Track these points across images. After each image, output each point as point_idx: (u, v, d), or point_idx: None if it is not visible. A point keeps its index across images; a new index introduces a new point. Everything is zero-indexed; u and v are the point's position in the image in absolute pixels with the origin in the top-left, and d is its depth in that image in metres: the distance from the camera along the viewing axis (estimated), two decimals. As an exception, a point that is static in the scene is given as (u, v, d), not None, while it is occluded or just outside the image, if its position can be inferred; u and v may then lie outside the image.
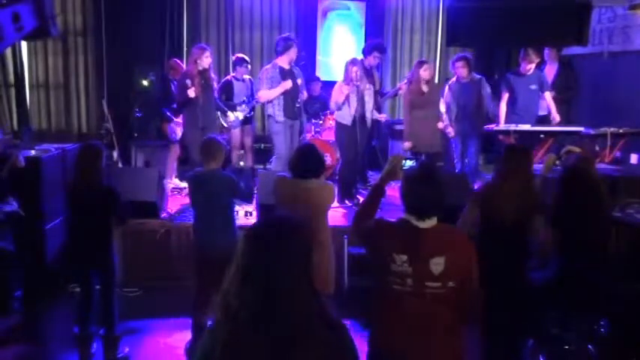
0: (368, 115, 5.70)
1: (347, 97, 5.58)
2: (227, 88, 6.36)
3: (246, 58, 6.52)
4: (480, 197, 3.19)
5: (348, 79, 5.58)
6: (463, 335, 2.26)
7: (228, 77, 6.58)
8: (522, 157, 3.21)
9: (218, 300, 1.50)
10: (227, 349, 1.44)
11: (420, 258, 2.15)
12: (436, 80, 8.35)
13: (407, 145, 5.97)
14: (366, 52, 6.37)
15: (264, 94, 5.62)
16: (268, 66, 5.77)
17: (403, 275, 2.15)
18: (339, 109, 5.69)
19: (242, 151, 6.50)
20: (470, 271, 2.23)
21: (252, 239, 1.51)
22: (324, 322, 1.50)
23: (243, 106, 6.32)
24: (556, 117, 6.20)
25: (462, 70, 6.01)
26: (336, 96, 5.66)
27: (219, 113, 6.26)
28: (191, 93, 5.51)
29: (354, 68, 5.54)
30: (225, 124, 6.34)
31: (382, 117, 6.22)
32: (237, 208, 4.00)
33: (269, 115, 5.74)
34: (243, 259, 1.48)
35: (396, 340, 2.20)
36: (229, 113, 6.24)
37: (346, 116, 5.65)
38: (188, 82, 5.56)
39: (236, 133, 6.39)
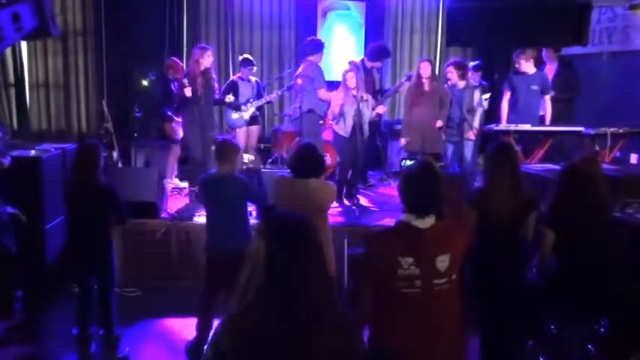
0: (366, 126, 5.64)
1: (342, 108, 5.53)
2: (232, 88, 6.32)
3: (252, 59, 6.49)
4: (473, 204, 3.17)
5: (345, 89, 5.54)
6: (465, 332, 2.29)
7: (234, 77, 6.54)
8: (508, 155, 3.19)
9: (236, 297, 1.52)
10: (245, 343, 1.46)
11: (426, 259, 2.16)
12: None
13: (404, 141, 5.93)
14: (370, 57, 6.34)
15: (327, 94, 5.73)
16: (305, 65, 5.86)
17: (411, 277, 2.15)
18: (336, 120, 5.64)
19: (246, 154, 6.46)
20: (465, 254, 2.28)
21: (272, 236, 1.54)
22: (339, 314, 1.55)
23: (248, 105, 6.30)
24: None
25: (450, 76, 5.87)
26: (333, 107, 5.62)
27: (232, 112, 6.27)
28: (187, 92, 5.50)
29: (351, 75, 5.51)
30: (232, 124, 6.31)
31: (380, 109, 6.08)
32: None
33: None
34: (265, 255, 1.50)
35: (400, 341, 2.20)
36: (233, 113, 6.23)
37: (343, 127, 5.60)
38: (185, 81, 5.56)
39: (241, 133, 6.35)
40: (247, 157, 4.34)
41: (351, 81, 5.49)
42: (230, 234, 3.57)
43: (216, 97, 6.02)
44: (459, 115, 5.81)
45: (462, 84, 5.87)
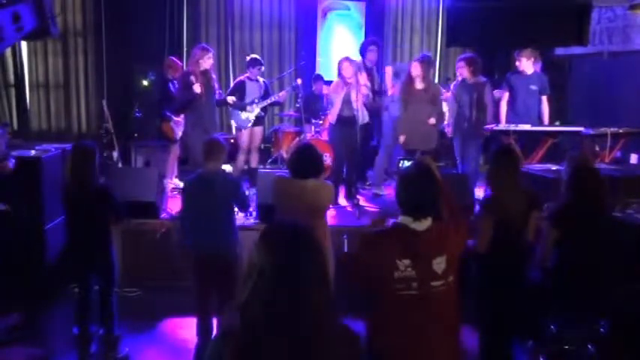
0: (355, 113, 5.60)
1: (329, 96, 5.68)
2: (240, 88, 6.28)
3: (260, 58, 6.44)
4: (489, 211, 3.16)
5: (341, 78, 5.64)
6: (461, 335, 2.29)
7: (242, 77, 6.48)
8: (511, 158, 3.22)
9: (235, 305, 1.49)
10: (244, 353, 1.44)
11: (423, 260, 2.16)
12: (436, 80, 8.35)
13: (402, 138, 5.94)
14: (362, 50, 6.38)
15: None
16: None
17: (408, 280, 2.14)
18: (327, 109, 5.81)
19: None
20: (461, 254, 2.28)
21: (277, 244, 1.51)
22: (339, 324, 1.53)
23: (253, 106, 6.26)
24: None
25: (462, 71, 5.90)
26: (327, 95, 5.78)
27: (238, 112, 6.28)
28: (197, 88, 5.49)
29: (346, 65, 5.58)
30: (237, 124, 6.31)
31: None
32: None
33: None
34: (266, 267, 1.47)
35: (399, 343, 2.20)
36: (241, 113, 6.22)
37: (333, 115, 5.73)
38: (192, 78, 5.53)
39: (245, 134, 6.32)
40: (226, 167, 4.27)
41: (347, 70, 5.55)
42: (217, 234, 3.52)
43: (217, 97, 6.01)
44: (467, 112, 5.82)
45: (472, 80, 5.86)
